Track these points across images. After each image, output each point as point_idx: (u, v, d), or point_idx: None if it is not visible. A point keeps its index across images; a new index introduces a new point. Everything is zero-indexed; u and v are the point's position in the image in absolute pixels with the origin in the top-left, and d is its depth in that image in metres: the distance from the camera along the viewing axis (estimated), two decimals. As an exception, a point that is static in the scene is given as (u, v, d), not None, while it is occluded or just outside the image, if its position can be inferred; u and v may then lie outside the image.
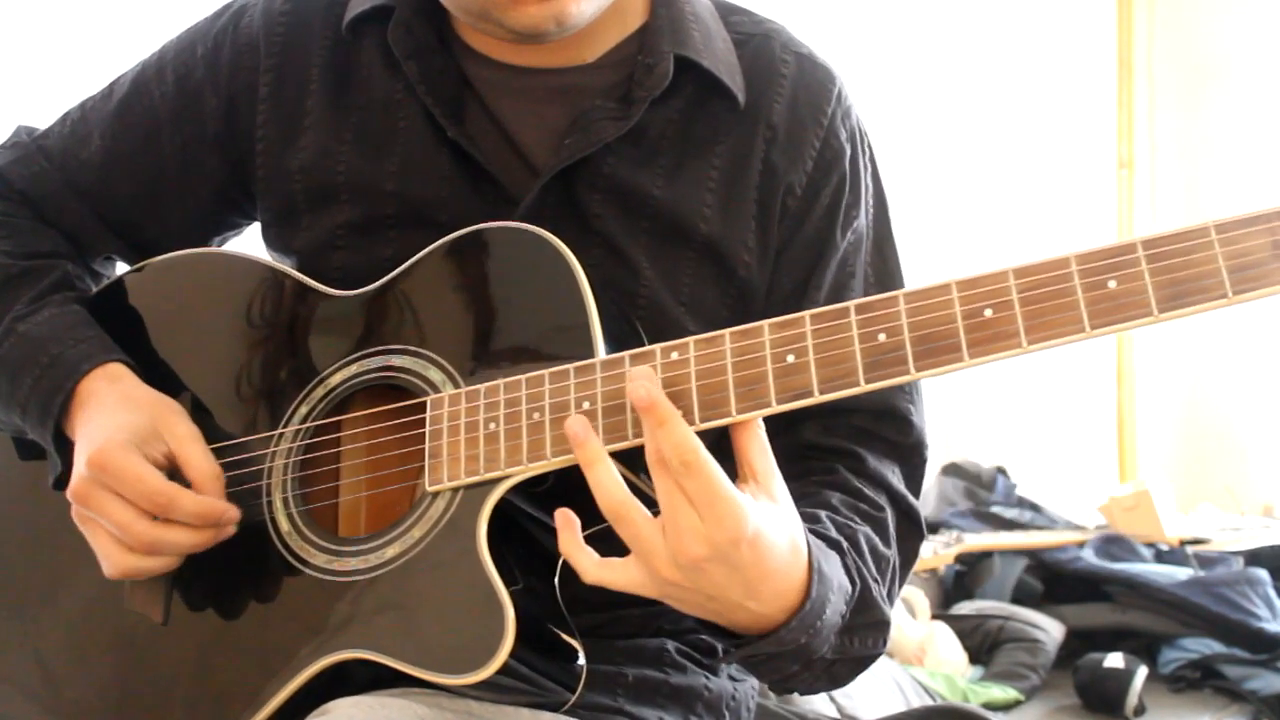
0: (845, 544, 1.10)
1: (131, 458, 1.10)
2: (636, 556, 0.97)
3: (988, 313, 0.91)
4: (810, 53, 1.27)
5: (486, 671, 0.99)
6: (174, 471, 1.13)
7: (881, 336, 0.93)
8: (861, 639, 1.10)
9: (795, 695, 2.42)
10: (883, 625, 1.11)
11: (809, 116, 1.23)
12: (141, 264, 1.30)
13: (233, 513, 1.12)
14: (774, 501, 0.98)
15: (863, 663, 1.12)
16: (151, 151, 1.30)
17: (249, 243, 1.34)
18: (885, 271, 1.27)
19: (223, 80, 1.27)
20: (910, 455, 1.23)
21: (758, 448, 0.98)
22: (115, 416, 1.13)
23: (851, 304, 0.95)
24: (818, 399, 0.95)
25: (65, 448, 1.18)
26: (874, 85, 3.53)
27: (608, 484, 0.96)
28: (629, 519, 0.95)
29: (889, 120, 3.55)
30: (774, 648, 1.01)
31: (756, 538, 0.94)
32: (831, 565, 1.04)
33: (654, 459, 0.94)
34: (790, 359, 0.96)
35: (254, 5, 1.29)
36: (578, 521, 0.97)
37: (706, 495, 0.93)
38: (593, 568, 0.97)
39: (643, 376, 0.97)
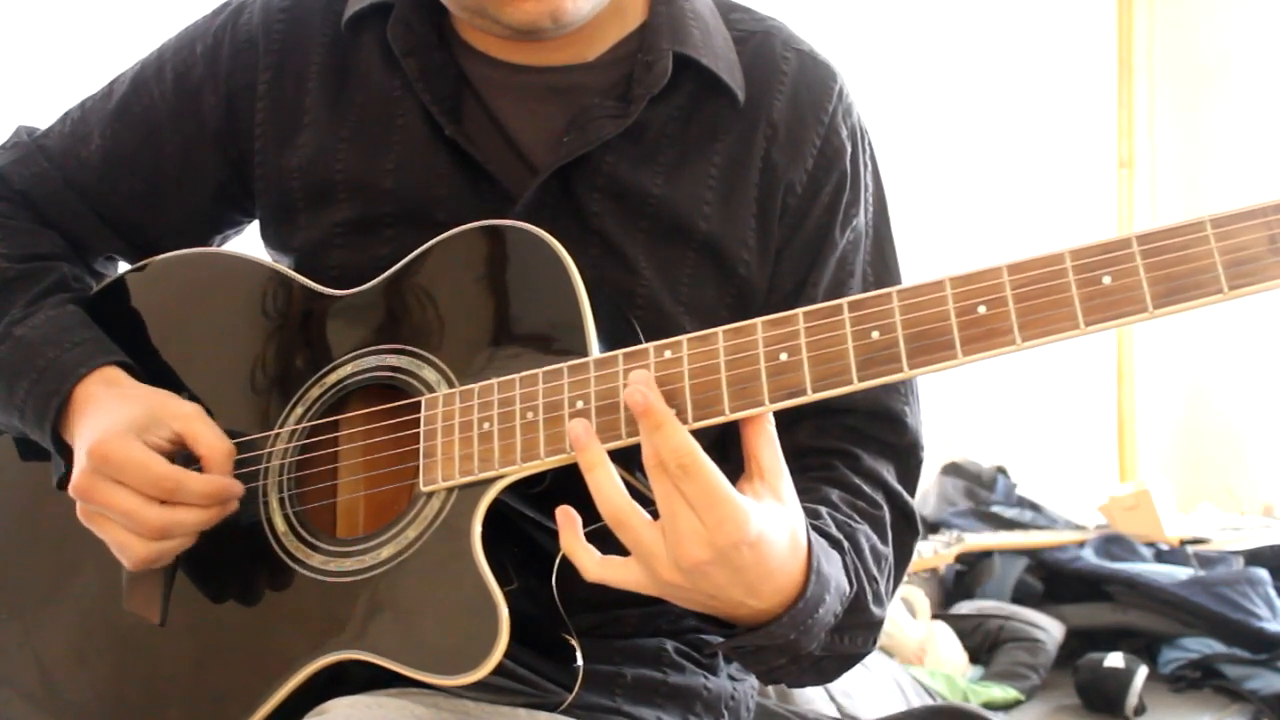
0: (846, 544, 1.10)
1: (133, 445, 1.09)
2: (638, 559, 0.96)
3: (981, 309, 0.90)
4: (811, 50, 1.27)
5: (480, 672, 0.98)
6: (183, 454, 1.12)
7: (875, 334, 0.93)
8: (851, 638, 1.10)
9: (795, 695, 2.42)
10: (874, 626, 1.12)
11: (810, 114, 1.23)
12: (140, 263, 1.30)
13: (237, 487, 1.12)
14: (779, 500, 0.97)
15: (850, 660, 1.12)
16: (151, 150, 1.29)
17: (248, 242, 1.34)
18: (884, 270, 1.26)
19: (221, 78, 1.27)
20: (906, 456, 1.23)
21: (766, 443, 0.97)
22: (113, 413, 1.13)
23: (845, 301, 0.95)
24: (811, 397, 0.94)
25: (65, 451, 1.17)
26: (874, 84, 3.53)
27: (608, 489, 0.95)
28: (629, 524, 0.95)
29: (889, 119, 3.55)
30: (763, 641, 1.00)
31: (759, 539, 0.94)
32: (832, 565, 1.04)
33: (651, 463, 0.94)
34: (783, 357, 0.95)
35: (253, 2, 1.29)
36: (578, 519, 0.97)
37: (706, 498, 0.92)
38: (594, 566, 0.97)
39: (639, 381, 0.96)
